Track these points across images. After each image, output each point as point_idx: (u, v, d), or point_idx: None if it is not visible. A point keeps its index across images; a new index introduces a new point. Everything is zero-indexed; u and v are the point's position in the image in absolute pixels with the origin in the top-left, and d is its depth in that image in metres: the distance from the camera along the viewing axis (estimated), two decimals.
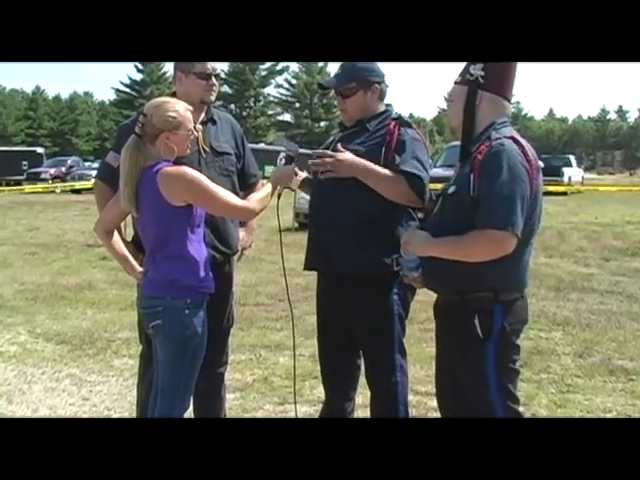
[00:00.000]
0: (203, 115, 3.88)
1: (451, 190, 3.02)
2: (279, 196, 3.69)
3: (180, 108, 3.27)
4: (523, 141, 2.97)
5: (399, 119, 3.70)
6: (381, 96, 3.76)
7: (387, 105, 3.79)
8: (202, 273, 3.27)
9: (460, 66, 3.14)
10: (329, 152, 3.57)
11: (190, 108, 3.34)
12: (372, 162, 3.54)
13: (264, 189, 3.50)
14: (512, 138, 2.95)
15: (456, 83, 3.14)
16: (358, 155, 3.57)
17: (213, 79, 3.84)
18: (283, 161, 3.75)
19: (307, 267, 3.83)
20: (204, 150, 3.81)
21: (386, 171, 3.53)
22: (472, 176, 2.91)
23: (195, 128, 3.48)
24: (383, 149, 3.59)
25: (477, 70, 3.04)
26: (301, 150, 3.91)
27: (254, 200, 3.39)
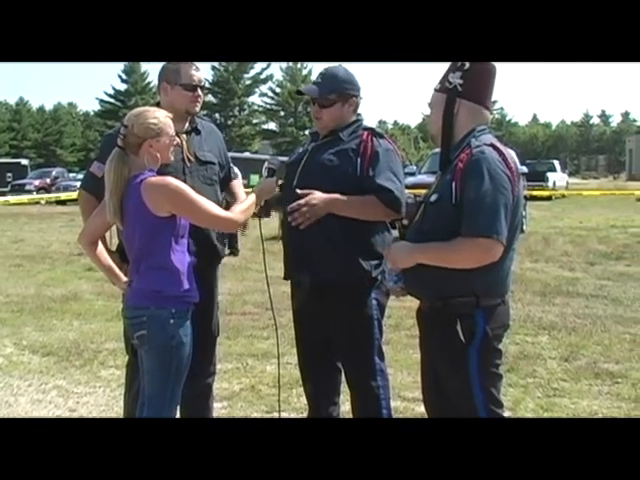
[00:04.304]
0: (187, 125, 3.90)
1: (433, 198, 3.04)
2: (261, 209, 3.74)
3: (160, 115, 3.28)
4: (503, 148, 3.00)
5: (372, 130, 3.76)
6: (355, 108, 3.83)
7: (357, 115, 3.84)
8: (186, 283, 3.27)
9: (443, 70, 3.16)
10: (302, 202, 3.57)
11: (170, 115, 3.35)
12: (347, 172, 3.60)
13: (247, 200, 3.53)
14: (492, 145, 2.97)
15: (436, 90, 3.16)
16: (332, 166, 3.62)
17: (199, 91, 3.87)
18: (266, 173, 3.78)
19: (288, 277, 3.86)
20: (188, 159, 3.83)
21: (358, 197, 3.58)
22: (454, 184, 2.93)
23: (179, 137, 3.49)
24: (358, 160, 3.63)
25: (456, 78, 3.07)
26: (282, 158, 3.95)
27: (237, 211, 3.41)
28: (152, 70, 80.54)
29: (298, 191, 3.60)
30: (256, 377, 5.83)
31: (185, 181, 3.61)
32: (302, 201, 3.57)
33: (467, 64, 3.04)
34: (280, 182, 3.76)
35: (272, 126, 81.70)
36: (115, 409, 5.06)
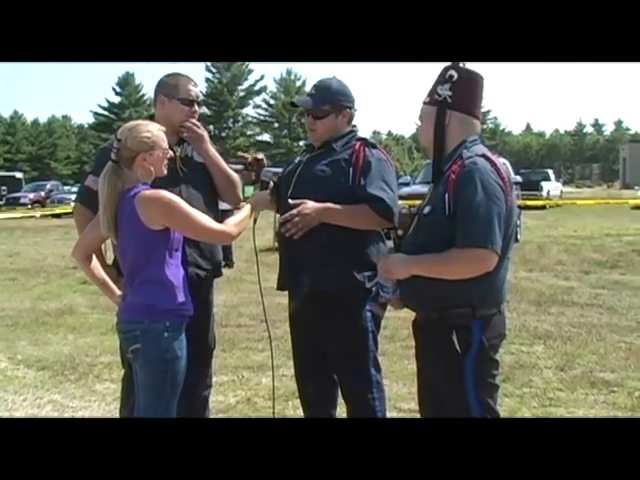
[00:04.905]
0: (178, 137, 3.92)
1: (426, 210, 3.05)
2: (255, 221, 3.75)
3: (153, 129, 3.29)
4: (494, 158, 3.01)
5: (364, 140, 3.77)
6: (350, 120, 3.83)
7: (352, 126, 3.85)
8: (180, 296, 3.27)
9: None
10: (294, 212, 3.59)
11: (163, 128, 3.35)
12: (339, 182, 3.62)
13: (241, 212, 3.53)
14: (484, 156, 2.98)
15: (425, 103, 3.17)
16: (325, 176, 3.63)
17: (196, 106, 3.88)
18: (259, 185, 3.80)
19: (280, 287, 3.86)
20: (182, 169, 3.84)
21: (350, 206, 3.59)
22: (447, 196, 2.94)
23: (172, 149, 3.50)
24: (350, 170, 3.65)
25: (445, 90, 3.08)
26: (274, 169, 3.98)
27: (232, 224, 3.41)
28: (146, 82, 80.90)
29: (290, 201, 3.61)
30: (252, 389, 5.81)
31: (181, 191, 3.62)
32: (294, 211, 3.58)
33: (455, 76, 3.06)
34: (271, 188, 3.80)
35: (266, 137, 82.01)
36: None
